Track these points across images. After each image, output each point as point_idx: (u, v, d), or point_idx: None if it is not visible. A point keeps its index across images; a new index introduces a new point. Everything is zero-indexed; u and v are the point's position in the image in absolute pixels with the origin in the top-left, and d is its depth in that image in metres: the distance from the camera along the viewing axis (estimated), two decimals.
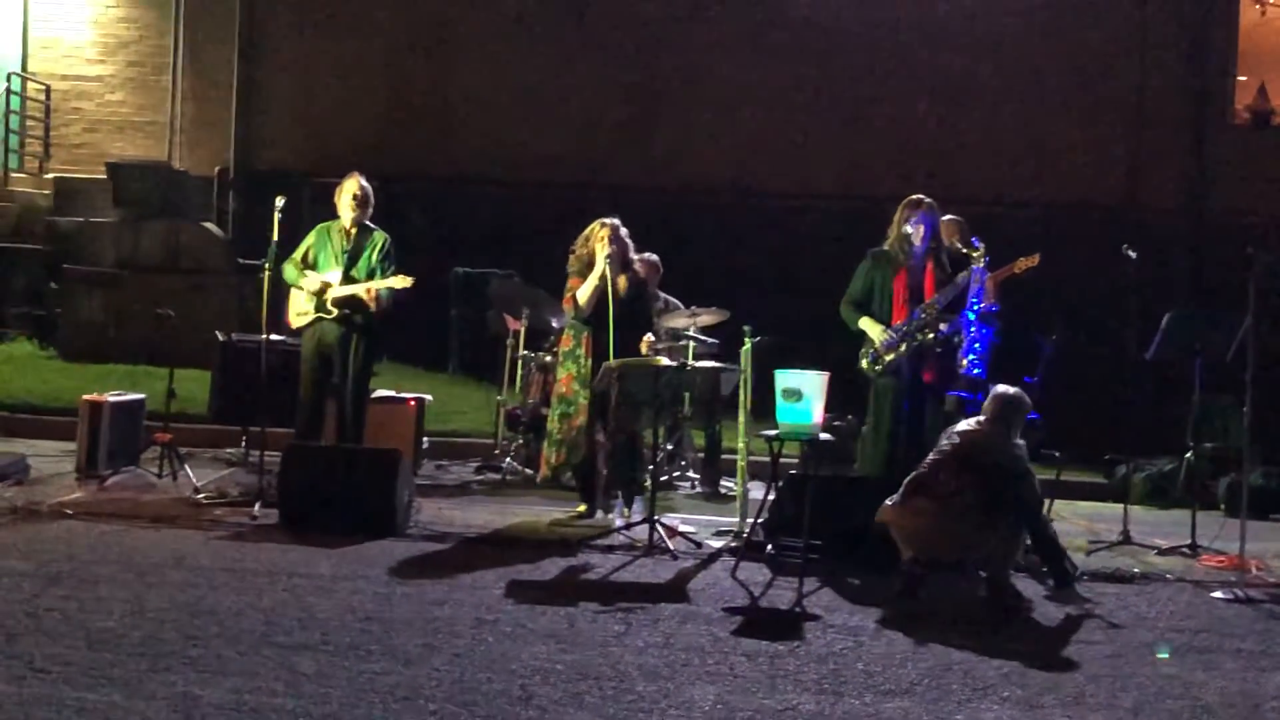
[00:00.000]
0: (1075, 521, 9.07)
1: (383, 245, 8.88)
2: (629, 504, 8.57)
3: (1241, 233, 13.06)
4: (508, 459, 10.32)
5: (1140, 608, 6.93)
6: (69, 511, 7.97)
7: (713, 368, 9.13)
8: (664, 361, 8.27)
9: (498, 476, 10.20)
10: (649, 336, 8.59)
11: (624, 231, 8.66)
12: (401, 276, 8.71)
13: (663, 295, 10.42)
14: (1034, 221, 14.04)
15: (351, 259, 8.84)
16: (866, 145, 16.05)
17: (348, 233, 8.90)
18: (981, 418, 7.15)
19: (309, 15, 16.72)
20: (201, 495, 8.58)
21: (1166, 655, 5.97)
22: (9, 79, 16.83)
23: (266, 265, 8.59)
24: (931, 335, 8.07)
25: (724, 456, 10.11)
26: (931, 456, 6.97)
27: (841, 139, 16.14)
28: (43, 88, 17.17)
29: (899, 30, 16.03)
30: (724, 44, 16.24)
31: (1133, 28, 16.07)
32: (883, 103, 16.04)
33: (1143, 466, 11.00)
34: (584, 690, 5.06)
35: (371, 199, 8.96)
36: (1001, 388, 7.22)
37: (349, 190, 8.89)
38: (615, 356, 8.17)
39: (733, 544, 7.86)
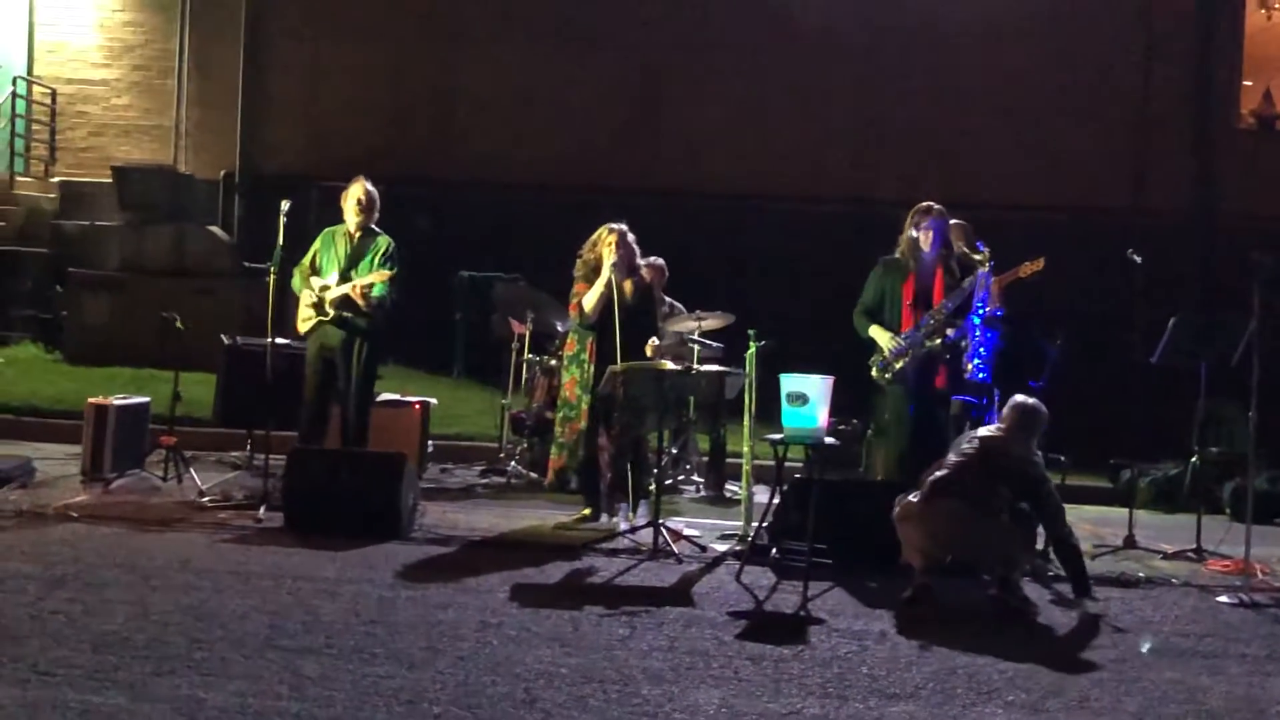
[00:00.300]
0: (1080, 526, 8.99)
1: (385, 249, 8.88)
2: (634, 508, 8.57)
3: (1247, 237, 13.06)
4: (512, 462, 10.32)
5: (1145, 612, 6.93)
6: (74, 514, 7.98)
7: (718, 371, 9.13)
8: (669, 365, 8.27)
9: (502, 480, 10.21)
10: (654, 340, 8.59)
11: (630, 238, 8.67)
12: (379, 272, 8.71)
13: (668, 299, 10.43)
14: (1039, 226, 14.01)
15: (352, 262, 8.84)
16: (872, 149, 16.06)
17: (351, 237, 8.91)
18: (1001, 425, 7.12)
19: (314, 19, 16.75)
20: (206, 498, 8.59)
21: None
22: (15, 83, 16.88)
23: (272, 269, 8.60)
24: (939, 341, 8.07)
25: (729, 460, 10.11)
26: (953, 458, 6.94)
27: (847, 142, 16.15)
28: (48, 91, 17.21)
29: (904, 34, 16.03)
30: (729, 47, 16.25)
31: (1138, 32, 16.07)
32: (888, 106, 16.05)
33: (1148, 471, 11.00)
34: (588, 694, 5.06)
35: (377, 203, 8.97)
36: (1020, 398, 7.20)
37: (354, 195, 8.91)
38: (620, 361, 8.17)
39: (737, 548, 7.87)
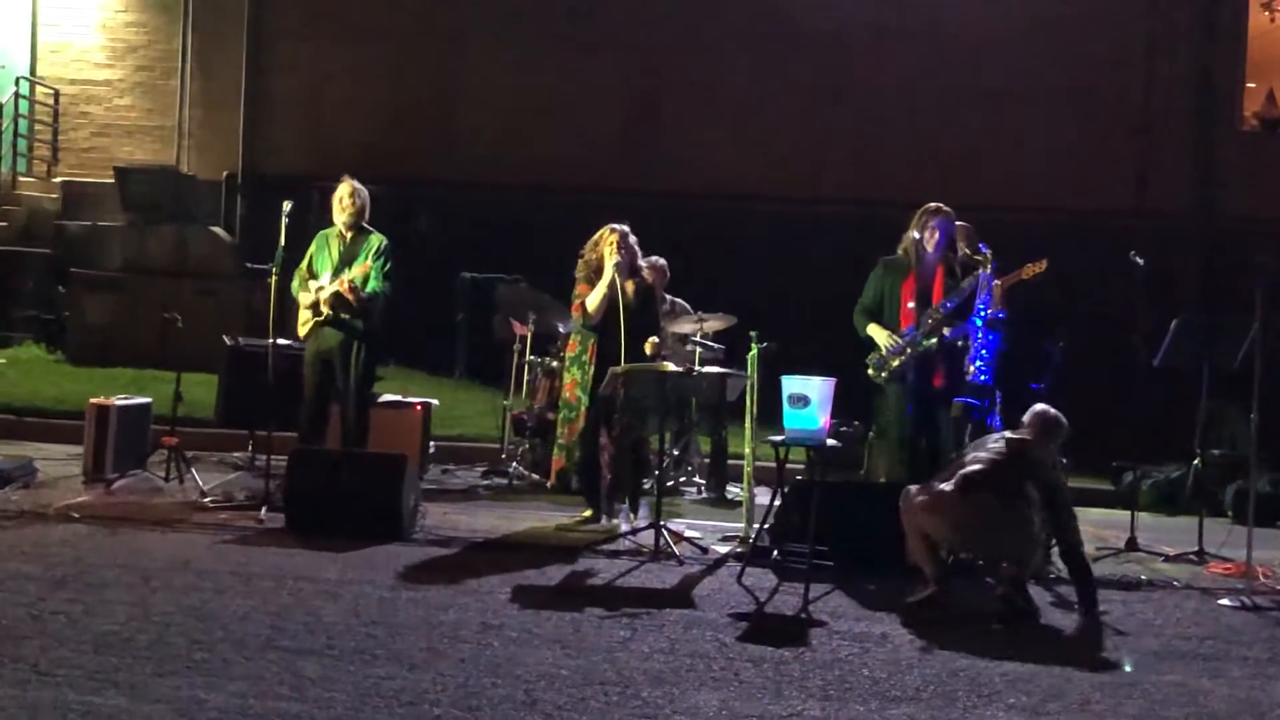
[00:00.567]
0: (1082, 528, 9.02)
1: (378, 247, 8.87)
2: (635, 509, 8.57)
3: (1249, 239, 13.06)
4: (514, 464, 10.32)
5: (1147, 615, 6.92)
6: (75, 515, 7.98)
7: (719, 373, 9.13)
8: (670, 367, 8.27)
9: (504, 481, 10.21)
10: (654, 338, 8.59)
11: (632, 238, 8.67)
12: (363, 264, 8.71)
13: (669, 299, 10.43)
14: (1041, 227, 14.01)
15: (345, 262, 8.83)
16: (874, 150, 16.07)
17: (344, 237, 8.90)
18: (1026, 429, 7.06)
19: (316, 20, 16.76)
20: (208, 499, 8.59)
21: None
22: (18, 83, 16.90)
23: (274, 269, 8.60)
24: (936, 341, 8.06)
25: (730, 462, 10.11)
26: (984, 455, 6.86)
27: (850, 143, 16.15)
28: (51, 92, 17.23)
29: (906, 34, 16.03)
30: (731, 48, 16.25)
31: (1141, 34, 16.07)
32: (890, 107, 16.06)
33: (1150, 473, 10.99)
34: (589, 696, 5.05)
35: (365, 201, 8.92)
36: (1043, 406, 7.17)
37: (340, 194, 8.88)
38: (622, 362, 8.17)
39: (738, 550, 7.86)
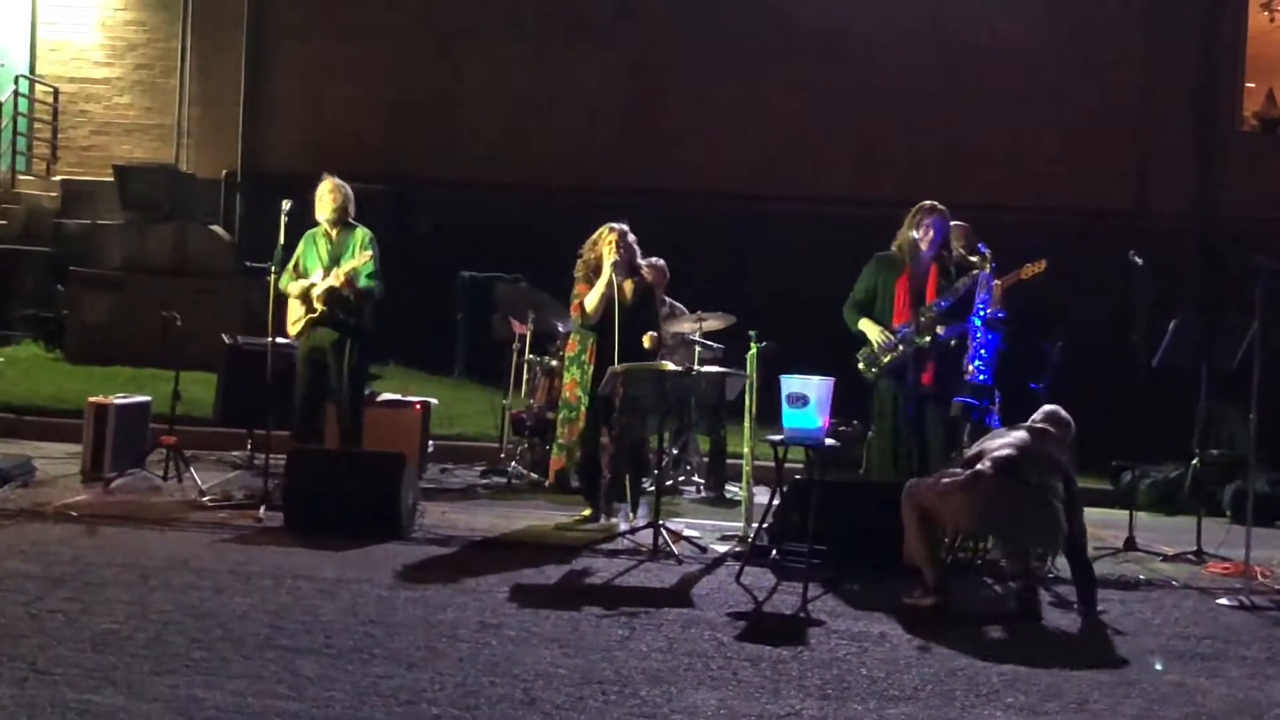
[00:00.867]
0: None
1: (363, 240, 8.88)
2: (634, 508, 8.58)
3: (1249, 239, 13.06)
4: (512, 463, 10.32)
5: (1145, 614, 6.92)
6: (74, 514, 7.99)
7: (718, 372, 9.12)
8: (669, 366, 8.27)
9: (502, 480, 10.20)
10: (651, 333, 8.59)
11: (631, 237, 8.67)
12: (359, 254, 8.71)
13: (669, 300, 10.43)
14: (1041, 227, 14.01)
15: (335, 258, 8.84)
16: (871, 150, 16.07)
17: (330, 234, 8.90)
18: (1042, 425, 7.04)
19: (316, 19, 16.76)
20: (206, 498, 8.60)
21: (1160, 668, 5.95)
22: (17, 81, 16.90)
23: (273, 268, 8.61)
24: (928, 339, 8.06)
25: (729, 461, 10.11)
26: (1011, 443, 6.82)
27: (849, 143, 16.15)
28: (50, 90, 17.23)
29: (906, 34, 16.03)
30: (731, 48, 16.26)
31: (1140, 33, 16.07)
32: (890, 107, 16.05)
33: (1148, 473, 10.99)
34: (587, 695, 5.06)
35: (348, 196, 8.91)
36: (1054, 407, 7.16)
37: (321, 191, 8.89)
38: (621, 362, 8.17)
39: (737, 549, 7.86)
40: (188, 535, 7.67)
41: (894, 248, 8.25)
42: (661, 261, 10.14)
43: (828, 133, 16.17)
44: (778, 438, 7.24)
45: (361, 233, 8.91)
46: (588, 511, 8.62)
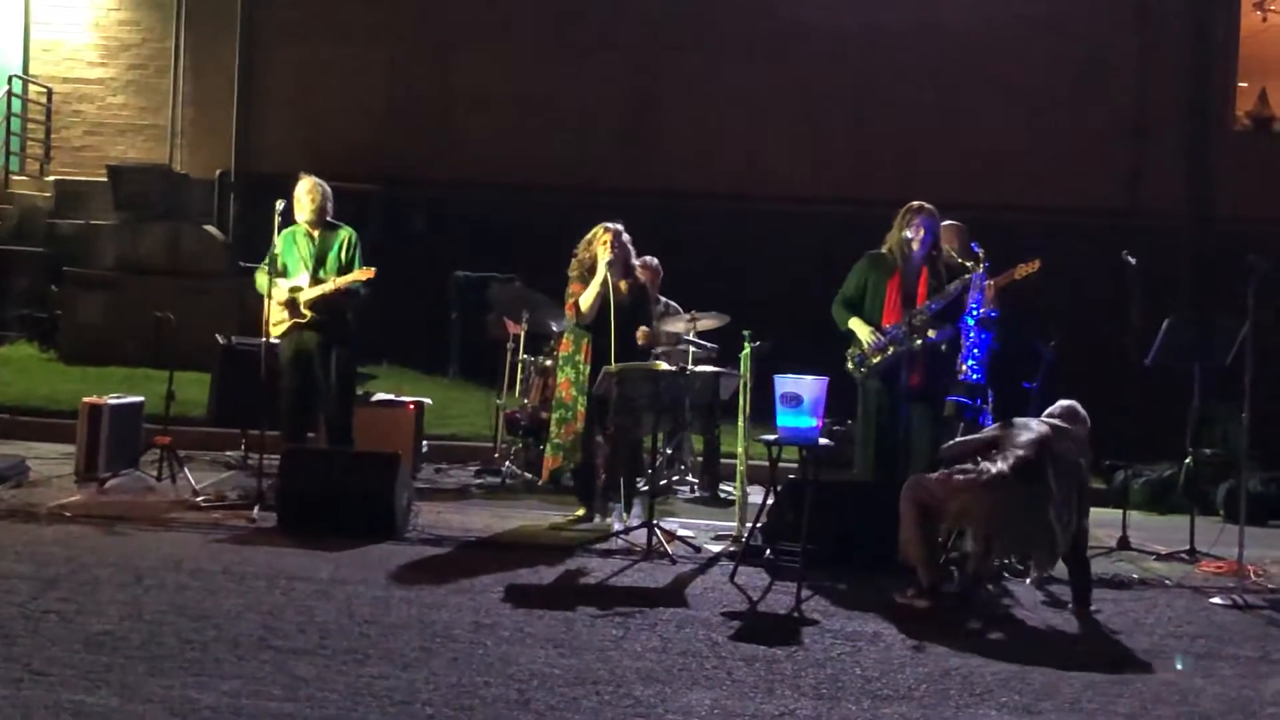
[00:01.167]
0: None
1: (350, 242, 8.87)
2: (628, 508, 8.57)
3: (1242, 238, 13.06)
4: (507, 463, 10.32)
5: (1138, 613, 6.93)
6: (68, 514, 7.98)
7: (712, 372, 9.13)
8: (663, 366, 8.27)
9: (497, 480, 10.21)
10: (644, 328, 8.57)
11: (626, 237, 8.67)
12: (362, 269, 8.70)
13: (663, 299, 10.43)
14: (1034, 227, 14.02)
15: (319, 259, 8.82)
16: (868, 150, 16.06)
17: (311, 235, 8.88)
18: (1060, 422, 7.02)
19: (310, 19, 16.72)
20: (200, 498, 8.59)
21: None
22: (10, 82, 16.87)
23: (271, 270, 8.59)
24: (919, 341, 8.05)
25: (723, 461, 10.11)
26: (1033, 440, 6.73)
27: (843, 143, 16.15)
28: (44, 90, 17.19)
29: (902, 35, 16.03)
30: (725, 46, 16.24)
31: (1134, 33, 16.08)
32: (886, 106, 16.05)
33: (1141, 472, 11.01)
34: (581, 695, 5.06)
35: (328, 195, 8.89)
36: (1072, 403, 7.12)
37: (299, 192, 8.85)
38: (616, 362, 8.17)
39: (731, 549, 7.87)
40: (182, 536, 7.66)
41: (885, 249, 8.25)
42: (655, 261, 10.15)
43: (824, 132, 16.16)
44: (772, 437, 7.25)
45: (346, 233, 8.89)
46: (582, 511, 8.62)
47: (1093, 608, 6.87)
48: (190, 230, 15.41)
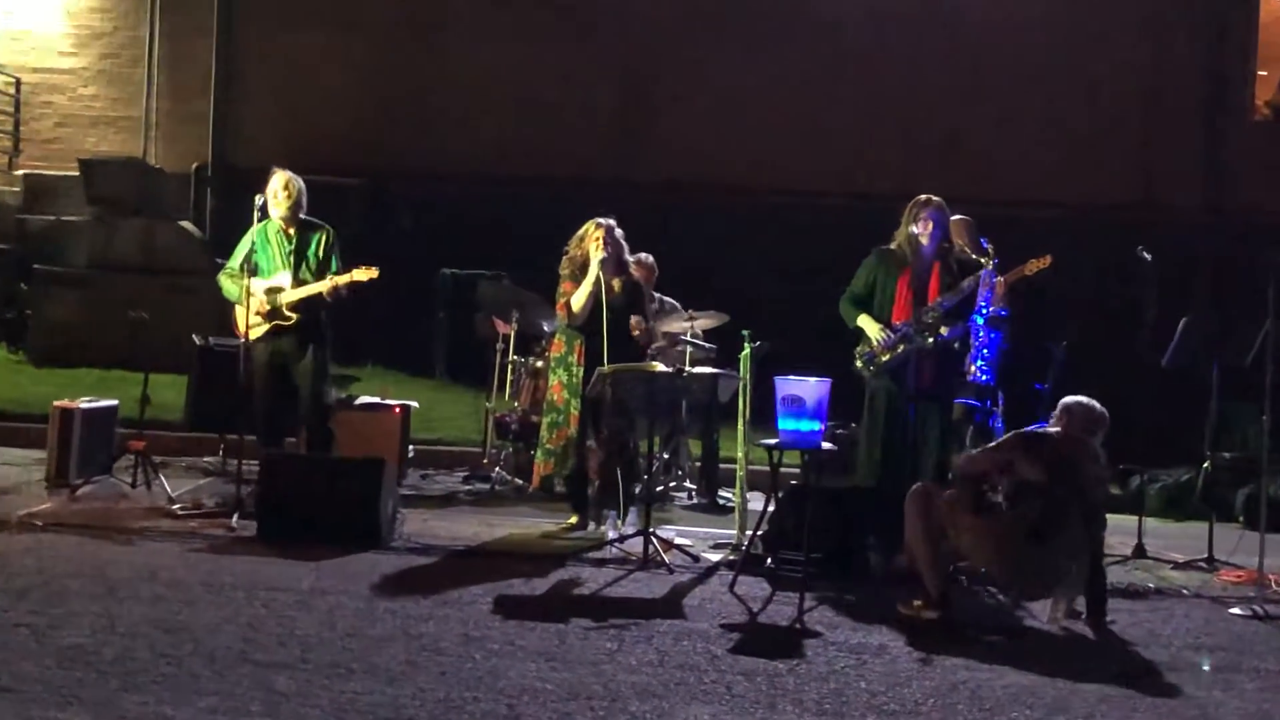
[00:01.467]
0: None
1: (327, 241, 8.85)
2: (623, 516, 8.57)
3: (1261, 233, 13.09)
4: (496, 468, 10.32)
5: (1155, 625, 6.94)
6: (38, 523, 7.96)
7: (710, 374, 9.14)
8: (659, 367, 8.27)
9: (486, 487, 10.21)
10: (637, 319, 8.56)
11: (619, 233, 8.66)
12: (365, 268, 8.68)
13: (659, 297, 10.43)
14: (1046, 221, 14.05)
15: (299, 258, 8.81)
16: (873, 142, 16.07)
17: (286, 232, 8.86)
18: (1067, 424, 6.98)
19: (291, 5, 16.73)
20: (177, 506, 8.57)
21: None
22: None
23: (245, 267, 8.58)
24: (931, 339, 8.06)
25: (722, 466, 10.12)
26: (1041, 470, 6.67)
27: (847, 135, 16.14)
28: (12, 81, 17.16)
29: (909, 24, 16.04)
30: (724, 34, 16.25)
31: (1149, 20, 16.09)
32: (892, 98, 16.05)
33: (1158, 477, 11.02)
34: (574, 710, 5.06)
35: (302, 190, 8.87)
36: (1086, 400, 7.08)
37: (276, 186, 8.78)
38: (609, 363, 8.17)
39: (731, 557, 7.87)
40: (157, 545, 7.65)
41: (894, 244, 8.26)
42: (650, 258, 10.15)
43: (826, 123, 16.16)
44: (773, 442, 7.25)
45: (323, 232, 8.87)
46: (575, 519, 8.62)
47: (1108, 618, 6.87)
48: (165, 227, 15.40)
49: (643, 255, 9.85)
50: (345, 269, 8.73)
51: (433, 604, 6.58)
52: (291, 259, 8.79)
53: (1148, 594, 7.61)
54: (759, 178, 15.99)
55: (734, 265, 14.89)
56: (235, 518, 8.15)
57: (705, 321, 10.23)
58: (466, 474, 10.75)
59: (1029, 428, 7.24)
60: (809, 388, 7.06)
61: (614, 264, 8.58)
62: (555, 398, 8.70)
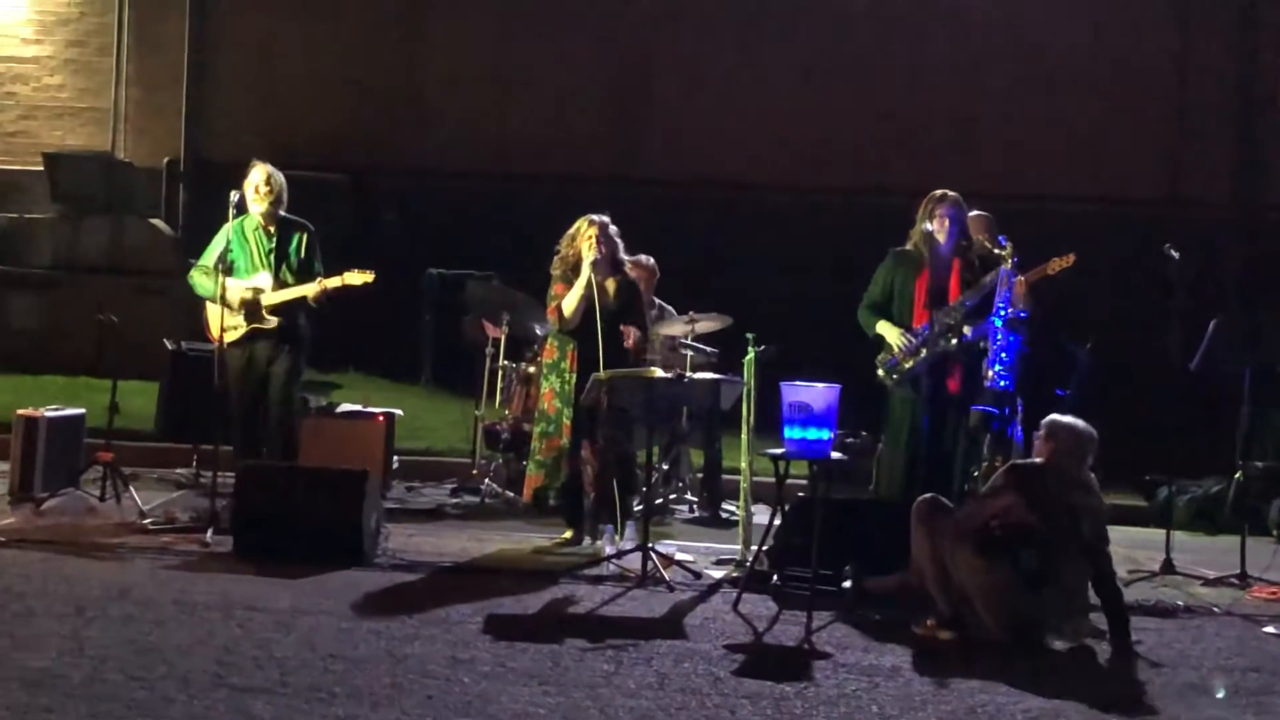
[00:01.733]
0: (1113, 549, 9.03)
1: (308, 240, 8.86)
2: (620, 530, 8.56)
3: None
4: (486, 480, 10.32)
5: (1184, 644, 6.94)
6: (1, 538, 7.95)
7: (712, 380, 9.14)
8: (658, 373, 8.27)
9: (475, 499, 10.21)
10: (635, 331, 8.55)
11: (613, 230, 8.67)
12: (359, 272, 8.67)
13: (657, 300, 10.43)
14: (1068, 218, 14.05)
15: (279, 257, 8.80)
16: (881, 134, 16.06)
17: (265, 229, 8.85)
18: (1049, 449, 6.98)
19: None
20: (148, 520, 8.57)
21: (1222, 695, 5.98)
22: None
23: (220, 267, 8.57)
24: (955, 340, 8.07)
25: (725, 477, 10.12)
26: (1014, 517, 6.70)
27: (857, 127, 16.14)
28: None
29: (920, 8, 16.04)
30: (724, 21, 16.25)
31: (1175, 8, 16.08)
32: (903, 88, 16.04)
33: (1187, 488, 11.01)
34: None
35: (284, 187, 8.87)
36: (1065, 419, 7.06)
37: (255, 180, 8.79)
38: (605, 369, 8.16)
39: (734, 574, 7.87)
40: (127, 562, 7.64)
41: (910, 244, 8.26)
42: (649, 259, 10.14)
43: (834, 115, 16.15)
44: (778, 451, 7.24)
45: (304, 231, 8.87)
46: (569, 534, 8.62)
47: (1133, 638, 6.87)
48: (135, 224, 15.39)
49: (642, 256, 9.85)
50: (332, 271, 8.73)
51: (419, 624, 6.58)
52: (271, 259, 8.79)
53: (1176, 612, 7.60)
54: (762, 172, 15.94)
55: (737, 265, 14.89)
56: (210, 533, 8.14)
57: (707, 324, 10.23)
58: (454, 486, 10.74)
59: (1022, 460, 7.25)
60: (817, 394, 7.05)
61: (608, 264, 8.58)
62: (546, 406, 8.70)
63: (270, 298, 8.73)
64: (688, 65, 16.30)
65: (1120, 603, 6.92)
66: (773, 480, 7.55)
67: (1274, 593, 8.01)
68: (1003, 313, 8.56)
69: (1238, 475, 9.55)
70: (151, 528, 8.44)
